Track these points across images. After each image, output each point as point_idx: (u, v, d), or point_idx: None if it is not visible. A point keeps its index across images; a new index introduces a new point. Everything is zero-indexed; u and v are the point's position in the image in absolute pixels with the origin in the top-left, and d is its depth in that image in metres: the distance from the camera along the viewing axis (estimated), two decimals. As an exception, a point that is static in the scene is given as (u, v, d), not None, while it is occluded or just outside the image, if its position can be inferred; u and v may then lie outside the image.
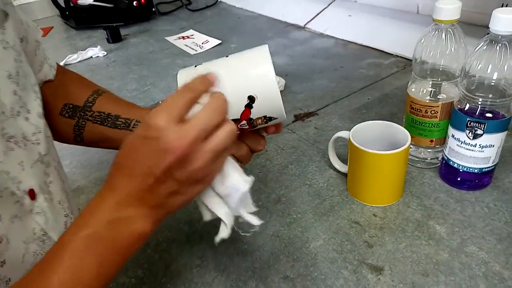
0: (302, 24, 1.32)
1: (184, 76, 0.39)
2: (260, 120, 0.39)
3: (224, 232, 0.39)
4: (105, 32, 1.37)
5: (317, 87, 0.94)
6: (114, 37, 1.37)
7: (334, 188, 0.62)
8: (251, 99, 0.37)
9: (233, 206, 0.37)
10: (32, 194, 0.37)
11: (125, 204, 0.31)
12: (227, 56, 0.39)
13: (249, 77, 0.37)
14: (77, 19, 1.56)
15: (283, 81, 0.94)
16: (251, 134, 0.43)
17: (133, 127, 0.48)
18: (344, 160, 0.63)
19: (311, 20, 1.31)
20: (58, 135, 0.51)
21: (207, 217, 0.40)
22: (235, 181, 0.36)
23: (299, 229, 0.55)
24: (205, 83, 0.33)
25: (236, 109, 0.37)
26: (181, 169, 0.31)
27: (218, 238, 0.38)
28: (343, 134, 0.60)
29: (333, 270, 0.49)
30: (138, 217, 0.32)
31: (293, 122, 0.81)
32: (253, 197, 0.61)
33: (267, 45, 0.38)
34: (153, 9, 1.59)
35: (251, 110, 0.37)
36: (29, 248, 0.36)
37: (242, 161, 0.44)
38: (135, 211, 0.32)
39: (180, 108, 0.31)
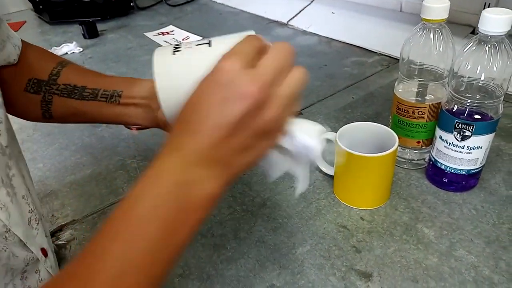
0: (285, 21, 1.30)
1: (161, 60, 0.35)
2: None
3: (302, 187, 0.38)
4: (81, 27, 1.32)
5: (301, 86, 0.92)
6: (91, 33, 1.32)
7: (321, 191, 0.60)
8: None
9: (303, 163, 0.36)
10: None
11: (193, 164, 0.28)
12: (209, 43, 0.35)
13: None
14: (52, 14, 1.49)
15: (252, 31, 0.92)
16: None
17: (100, 97, 0.46)
18: (330, 162, 0.62)
19: (294, 17, 1.30)
20: (26, 113, 0.48)
21: (275, 174, 0.37)
22: (305, 140, 0.34)
23: (285, 234, 0.54)
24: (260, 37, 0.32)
25: None
26: (256, 117, 0.28)
27: (297, 194, 0.38)
28: (329, 135, 0.58)
29: (321, 277, 0.48)
30: (207, 178, 0.28)
31: (277, 122, 0.79)
32: (237, 200, 0.59)
33: (253, 32, 0.35)
34: (132, 3, 1.54)
35: None
36: None
37: None
38: (204, 172, 0.28)
39: (250, 53, 0.29)
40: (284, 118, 0.30)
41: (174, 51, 0.35)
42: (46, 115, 0.48)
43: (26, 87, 0.46)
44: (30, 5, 1.62)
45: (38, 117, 0.48)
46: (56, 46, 1.23)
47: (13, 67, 0.47)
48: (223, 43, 0.34)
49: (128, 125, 0.50)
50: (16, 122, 0.86)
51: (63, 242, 0.56)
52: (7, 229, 0.35)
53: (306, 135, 0.34)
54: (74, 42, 1.24)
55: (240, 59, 0.28)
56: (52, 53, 0.52)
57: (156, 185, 0.27)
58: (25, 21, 1.57)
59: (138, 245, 0.26)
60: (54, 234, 0.58)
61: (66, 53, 1.21)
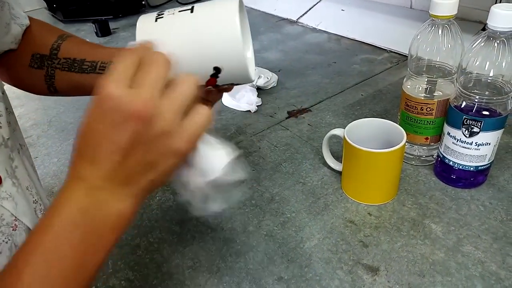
0: (294, 19, 1.31)
1: (144, 27, 0.35)
2: (226, 85, 0.37)
3: (214, 207, 0.35)
4: (93, 25, 1.34)
5: (310, 83, 0.93)
6: (103, 31, 1.34)
7: (329, 186, 0.61)
8: (217, 70, 0.34)
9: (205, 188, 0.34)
10: None
11: (95, 189, 0.29)
12: (191, 9, 0.35)
13: (216, 48, 0.34)
14: (65, 12, 1.52)
15: (275, 77, 0.93)
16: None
17: (99, 69, 0.46)
18: (338, 158, 0.62)
19: (303, 14, 1.30)
20: (33, 88, 0.49)
21: (189, 196, 0.35)
22: (209, 164, 0.33)
23: (293, 228, 0.54)
24: (148, 47, 0.31)
25: (201, 77, 0.34)
26: (148, 133, 0.28)
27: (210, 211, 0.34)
28: (337, 132, 0.59)
29: (328, 270, 0.48)
30: (113, 199, 0.29)
31: (286, 118, 0.80)
32: (246, 195, 0.60)
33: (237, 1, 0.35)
34: (143, 1, 1.56)
35: (217, 79, 0.35)
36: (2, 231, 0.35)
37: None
38: (109, 194, 0.29)
39: (126, 72, 0.28)
40: (180, 128, 0.29)
41: (156, 18, 0.35)
42: (51, 89, 0.49)
43: (30, 63, 0.47)
44: (44, 3, 1.65)
45: (44, 91, 0.49)
46: (70, 44, 1.25)
47: (19, 44, 0.48)
48: (204, 10, 0.34)
49: None
50: (31, 118, 0.89)
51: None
52: (15, 218, 0.36)
53: (208, 160, 0.33)
54: (87, 40, 1.26)
55: (119, 82, 0.28)
56: (52, 26, 0.52)
57: (62, 214, 0.28)
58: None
59: (52, 274, 0.27)
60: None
61: (79, 51, 1.24)
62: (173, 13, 0.35)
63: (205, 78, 0.35)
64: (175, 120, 0.29)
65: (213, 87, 0.37)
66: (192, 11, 0.34)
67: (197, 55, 0.33)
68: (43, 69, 0.47)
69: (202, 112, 0.30)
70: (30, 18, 0.51)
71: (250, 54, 0.41)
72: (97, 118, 0.28)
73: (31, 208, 0.40)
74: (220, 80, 0.35)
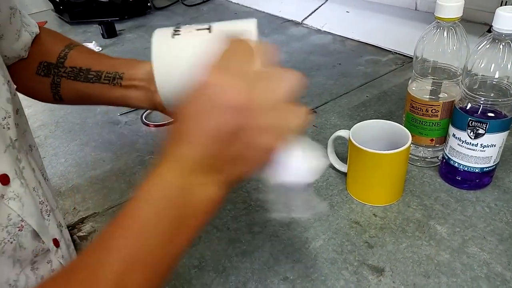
0: (299, 20, 1.31)
1: (160, 43, 0.35)
2: None
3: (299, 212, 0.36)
4: (99, 27, 1.35)
5: (315, 84, 0.93)
6: (109, 32, 1.35)
7: (334, 187, 0.61)
8: None
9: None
10: (3, 180, 0.36)
11: (192, 171, 0.29)
12: (209, 28, 0.35)
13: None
14: (72, 14, 1.53)
15: (254, 20, 0.92)
16: None
17: (104, 79, 0.47)
18: (343, 159, 0.62)
19: (308, 16, 1.30)
20: (39, 95, 0.50)
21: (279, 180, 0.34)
22: (296, 169, 0.32)
23: (299, 229, 0.55)
24: (247, 40, 0.31)
25: None
26: (248, 126, 0.28)
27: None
28: (342, 133, 0.59)
29: (333, 271, 0.49)
30: (206, 184, 0.29)
31: (291, 120, 0.80)
32: (251, 196, 0.61)
33: (255, 20, 0.35)
34: (149, 4, 1.56)
35: None
36: (9, 231, 0.35)
37: None
38: (202, 178, 0.29)
39: (237, 61, 0.29)
40: (278, 126, 0.29)
41: (173, 35, 0.34)
42: (57, 97, 0.49)
43: (37, 70, 0.48)
44: (51, 5, 1.67)
45: (50, 99, 0.50)
46: (76, 46, 1.26)
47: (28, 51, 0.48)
48: (223, 30, 0.33)
49: (131, 107, 0.51)
50: (38, 119, 0.90)
51: (84, 234, 0.58)
52: (21, 218, 0.37)
53: (299, 164, 0.32)
54: (94, 42, 1.27)
55: (227, 70, 0.28)
56: (61, 35, 0.53)
57: (160, 188, 0.29)
58: (46, 21, 1.61)
59: (143, 244, 0.28)
60: (76, 226, 0.60)
61: (86, 52, 1.25)
62: (191, 31, 0.35)
63: None
64: (272, 115, 0.28)
65: None
66: (210, 31, 0.34)
67: None
68: (50, 77, 0.48)
69: (299, 112, 0.30)
70: (41, 27, 0.51)
71: None
72: (200, 101, 0.28)
73: (38, 209, 0.40)
74: None
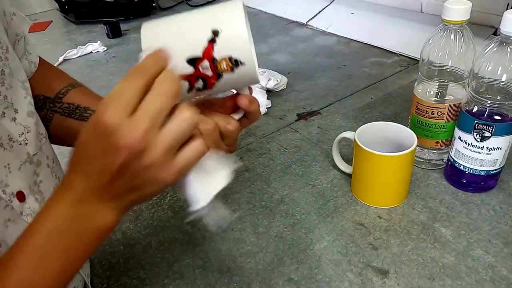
0: (304, 22, 1.31)
1: (149, 33, 0.35)
2: (225, 63, 0.33)
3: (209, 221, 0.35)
4: (105, 27, 1.36)
5: (320, 86, 0.93)
6: (114, 32, 1.36)
7: (338, 189, 0.61)
8: (215, 32, 0.32)
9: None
10: (21, 196, 0.37)
11: (83, 200, 0.30)
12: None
13: (215, 12, 0.33)
14: (77, 14, 1.54)
15: (285, 79, 0.93)
16: (218, 114, 0.37)
17: None
18: (348, 161, 0.62)
19: (313, 17, 1.30)
20: None
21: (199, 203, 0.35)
22: (196, 193, 0.33)
23: (303, 230, 0.55)
24: (158, 62, 0.30)
25: (197, 44, 0.32)
26: (136, 165, 0.29)
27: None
28: (347, 134, 0.59)
29: (338, 272, 0.49)
30: (99, 211, 0.31)
31: (296, 121, 0.80)
32: (256, 197, 0.61)
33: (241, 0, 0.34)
34: (154, 4, 1.57)
35: (215, 46, 0.33)
36: None
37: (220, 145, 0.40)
38: (95, 206, 0.30)
39: (129, 98, 0.28)
40: (170, 162, 0.30)
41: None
42: None
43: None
44: (56, 5, 1.68)
45: None
46: (81, 45, 1.26)
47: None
48: (209, 7, 0.34)
49: None
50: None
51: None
52: None
53: (197, 189, 0.33)
54: (99, 42, 1.27)
55: (117, 109, 0.28)
56: (68, 76, 0.52)
57: (49, 221, 0.30)
58: (51, 21, 1.62)
59: (36, 279, 0.29)
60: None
61: (91, 52, 1.25)
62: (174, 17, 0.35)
63: (202, 46, 0.33)
64: (167, 155, 0.29)
65: (212, 72, 0.34)
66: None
67: (194, 20, 0.33)
68: (43, 111, 0.47)
69: (196, 147, 0.31)
70: (46, 63, 0.51)
71: (254, 52, 0.38)
72: (92, 139, 0.29)
73: None
74: (217, 50, 0.33)
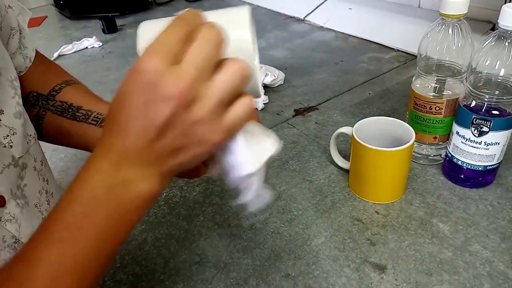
0: (301, 17, 1.30)
1: (146, 31, 0.33)
2: None
3: (245, 198, 0.32)
4: (100, 22, 1.35)
5: (317, 81, 0.93)
6: (110, 28, 1.35)
7: (336, 184, 0.61)
8: None
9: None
10: (1, 201, 0.35)
11: (121, 164, 0.27)
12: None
13: (218, 16, 0.31)
14: (72, 9, 1.52)
15: (282, 75, 0.93)
16: None
17: (92, 120, 0.44)
18: (345, 156, 0.62)
19: (310, 12, 1.30)
20: None
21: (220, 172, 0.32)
22: (241, 158, 0.30)
23: (300, 226, 0.54)
24: (197, 16, 0.28)
25: None
26: (185, 118, 0.26)
27: (239, 202, 0.32)
28: (345, 130, 0.59)
29: (335, 268, 0.48)
30: (139, 177, 0.27)
31: (293, 116, 0.80)
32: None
33: (247, 7, 0.32)
34: (150, -1, 1.56)
35: None
36: (0, 255, 0.34)
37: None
38: (136, 172, 0.27)
39: (173, 46, 0.25)
40: (220, 118, 0.27)
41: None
42: (36, 131, 0.45)
43: (25, 99, 0.45)
44: (51, 0, 1.66)
45: None
46: (77, 41, 1.25)
47: (21, 78, 0.45)
48: (216, 13, 0.31)
49: None
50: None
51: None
52: (16, 240, 0.36)
53: (246, 152, 0.30)
54: (94, 37, 1.26)
55: (162, 56, 0.25)
56: (63, 72, 0.50)
57: (87, 189, 0.27)
58: (46, 16, 1.61)
59: (71, 251, 0.26)
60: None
61: (87, 47, 1.24)
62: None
63: None
64: (216, 109, 0.26)
65: None
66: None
67: None
68: (35, 108, 0.45)
69: (246, 104, 0.27)
70: (43, 57, 0.49)
71: (258, 65, 0.38)
72: (135, 90, 0.26)
73: (36, 228, 0.40)
74: None
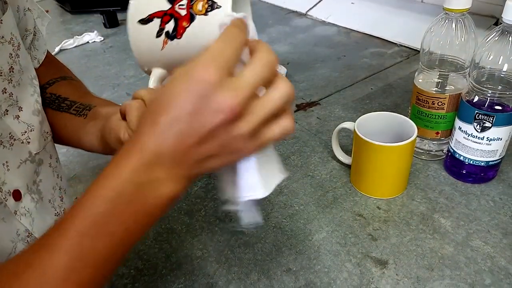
0: (303, 11, 1.30)
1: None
2: (201, 4, 0.31)
3: (245, 218, 0.32)
4: (101, 16, 1.34)
5: (319, 76, 0.92)
6: (111, 22, 1.34)
7: (337, 179, 0.61)
8: None
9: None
10: (17, 195, 0.36)
11: (155, 165, 0.27)
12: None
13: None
14: (73, 3, 1.52)
15: (284, 70, 0.92)
16: None
17: (73, 109, 0.44)
18: (347, 151, 0.62)
19: (312, 7, 1.29)
20: None
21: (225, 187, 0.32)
22: (250, 181, 0.29)
23: (302, 221, 0.55)
24: (243, 28, 0.28)
25: None
26: (229, 131, 0.26)
27: (241, 223, 0.32)
28: (347, 125, 0.58)
29: (337, 263, 0.48)
30: (168, 178, 0.27)
31: (295, 111, 0.80)
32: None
33: (245, 15, 0.31)
34: (151, -7, 1.55)
35: None
36: (16, 247, 0.35)
37: None
38: (166, 173, 0.27)
39: (229, 59, 0.26)
40: (258, 134, 0.27)
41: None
42: None
43: None
44: (52, -6, 1.65)
45: None
46: (78, 35, 1.25)
47: None
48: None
49: (83, 148, 0.45)
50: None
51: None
52: (29, 233, 0.37)
53: (257, 176, 0.29)
54: (95, 31, 1.26)
55: (218, 68, 0.25)
56: (64, 68, 0.51)
57: (115, 183, 0.27)
58: (48, 10, 1.60)
59: (95, 246, 0.27)
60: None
61: (88, 42, 1.24)
62: None
63: None
64: (259, 127, 0.27)
65: (186, 12, 0.32)
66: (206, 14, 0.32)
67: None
68: None
69: (287, 126, 0.28)
70: (54, 59, 0.49)
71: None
72: (185, 97, 0.26)
73: (50, 222, 0.40)
74: (194, 32, 0.31)
